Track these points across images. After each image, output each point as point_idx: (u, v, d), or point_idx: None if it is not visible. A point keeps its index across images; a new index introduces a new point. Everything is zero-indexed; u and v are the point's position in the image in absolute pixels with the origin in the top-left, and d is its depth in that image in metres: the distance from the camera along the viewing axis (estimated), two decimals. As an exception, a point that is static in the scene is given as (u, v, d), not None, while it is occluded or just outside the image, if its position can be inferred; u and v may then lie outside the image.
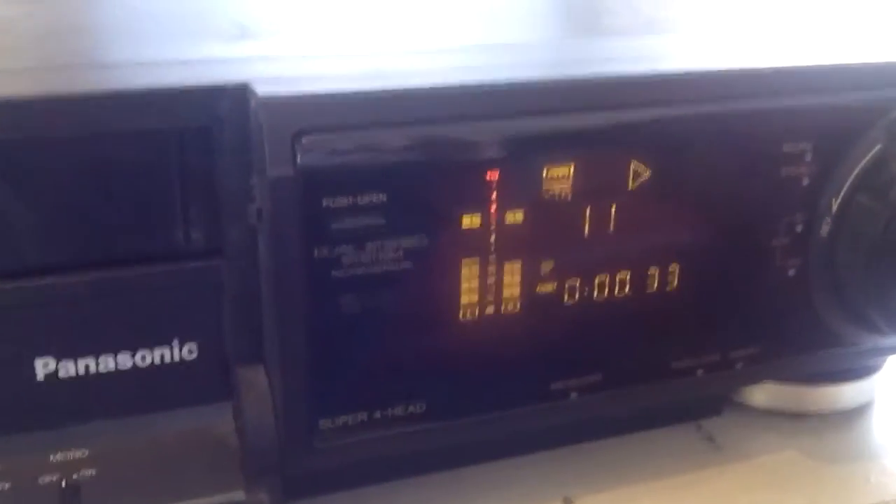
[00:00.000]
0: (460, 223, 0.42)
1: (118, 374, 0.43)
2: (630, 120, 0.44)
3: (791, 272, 0.49)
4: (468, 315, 0.44)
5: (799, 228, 0.48)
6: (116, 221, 0.41)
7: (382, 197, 0.40)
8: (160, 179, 0.41)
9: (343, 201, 0.39)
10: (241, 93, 0.40)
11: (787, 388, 0.57)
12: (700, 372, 0.49)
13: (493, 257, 0.43)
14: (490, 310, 0.44)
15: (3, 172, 0.38)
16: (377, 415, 0.44)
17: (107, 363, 0.43)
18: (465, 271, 0.43)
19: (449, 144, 0.41)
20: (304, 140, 0.38)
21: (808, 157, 0.47)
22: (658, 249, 0.47)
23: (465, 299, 0.43)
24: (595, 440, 0.54)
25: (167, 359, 0.44)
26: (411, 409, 0.44)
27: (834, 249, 0.48)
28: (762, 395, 0.58)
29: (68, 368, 0.42)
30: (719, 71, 0.45)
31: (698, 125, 0.45)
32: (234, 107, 0.40)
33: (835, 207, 0.48)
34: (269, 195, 0.39)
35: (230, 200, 0.41)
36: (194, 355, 0.44)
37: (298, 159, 0.38)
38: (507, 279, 0.44)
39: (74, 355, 0.42)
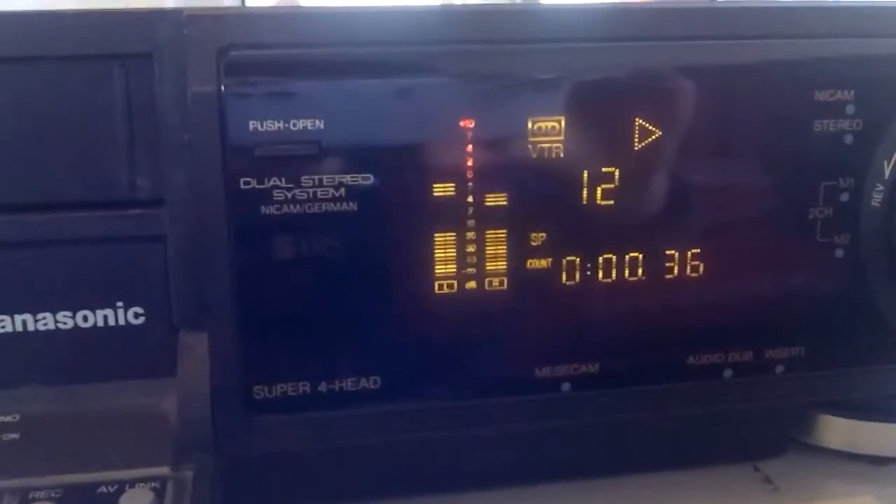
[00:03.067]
0: (418, 166, 0.37)
1: (57, 334, 0.39)
2: (632, 64, 0.38)
3: (838, 252, 0.40)
4: (434, 276, 0.38)
5: (844, 197, 0.40)
6: (52, 161, 0.38)
7: (320, 124, 0.36)
8: (98, 113, 0.38)
9: (273, 125, 0.35)
10: (179, 17, 0.37)
11: (866, 425, 0.47)
12: (728, 373, 0.41)
13: (462, 216, 0.38)
14: (463, 274, 0.38)
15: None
16: (322, 387, 0.38)
17: (46, 322, 0.39)
18: (437, 235, 0.38)
19: (402, 69, 0.37)
20: (231, 55, 0.35)
21: (850, 110, 0.39)
22: (672, 221, 0.40)
23: (436, 265, 0.38)
24: (626, 473, 0.46)
25: (111, 322, 0.40)
26: (364, 383, 0.38)
27: (891, 223, 0.40)
28: (835, 433, 0.48)
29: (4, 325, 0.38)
30: (737, 5, 0.39)
31: (714, 71, 0.39)
32: (173, 33, 0.37)
33: (888, 171, 0.39)
34: (191, 115, 0.35)
35: (172, 139, 0.38)
36: (141, 320, 0.40)
37: (223, 75, 0.35)
38: (487, 246, 0.38)
39: (10, 311, 0.39)
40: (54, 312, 0.39)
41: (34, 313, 0.39)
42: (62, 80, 0.37)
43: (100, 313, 0.39)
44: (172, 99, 0.37)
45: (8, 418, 0.39)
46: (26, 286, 0.38)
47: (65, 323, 0.39)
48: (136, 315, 0.40)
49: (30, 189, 0.38)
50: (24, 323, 0.39)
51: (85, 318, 0.39)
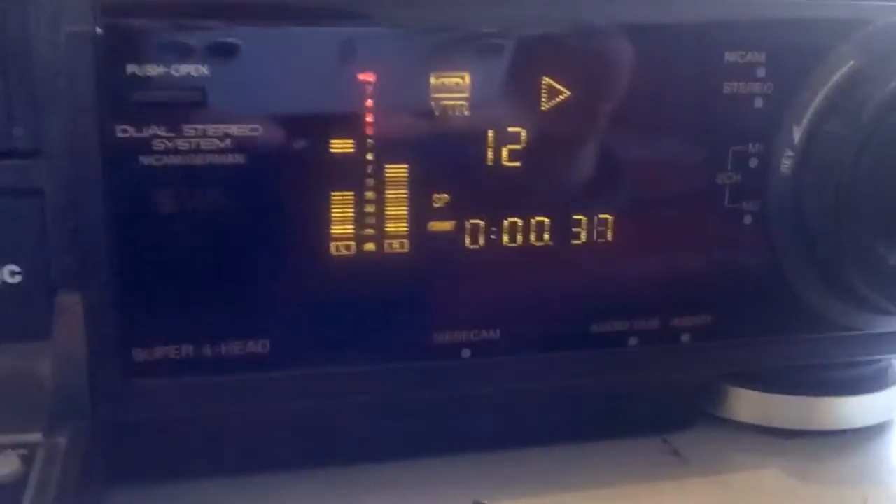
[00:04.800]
0: (313, 120, 0.35)
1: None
2: (539, 20, 0.37)
3: (747, 219, 0.39)
4: (330, 237, 0.36)
5: (753, 163, 0.39)
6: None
7: (204, 69, 0.33)
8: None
9: (153, 70, 0.33)
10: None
11: (775, 398, 0.47)
12: (633, 341, 0.40)
13: (359, 174, 0.36)
14: (360, 235, 0.36)
15: None
16: (207, 350, 0.36)
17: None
18: (330, 192, 0.36)
19: (295, 15, 0.35)
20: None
21: (760, 73, 0.38)
22: (576, 184, 0.38)
23: (331, 224, 0.36)
24: (529, 445, 0.44)
25: (-16, 281, 0.37)
26: (251, 347, 0.36)
27: (799, 190, 0.39)
28: (745, 405, 0.47)
29: None
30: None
31: (623, 29, 0.37)
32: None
33: (797, 137, 0.39)
34: (65, 58, 0.32)
35: (48, 85, 0.35)
36: (17, 279, 0.37)
37: (99, 15, 0.32)
38: (386, 207, 0.37)
39: None
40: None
41: None
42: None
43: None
44: (48, 41, 0.34)
45: None
46: None
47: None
48: (12, 273, 0.37)
49: None
50: None
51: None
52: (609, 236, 0.39)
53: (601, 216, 0.38)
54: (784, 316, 0.41)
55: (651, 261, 0.39)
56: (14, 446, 0.35)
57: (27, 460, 0.34)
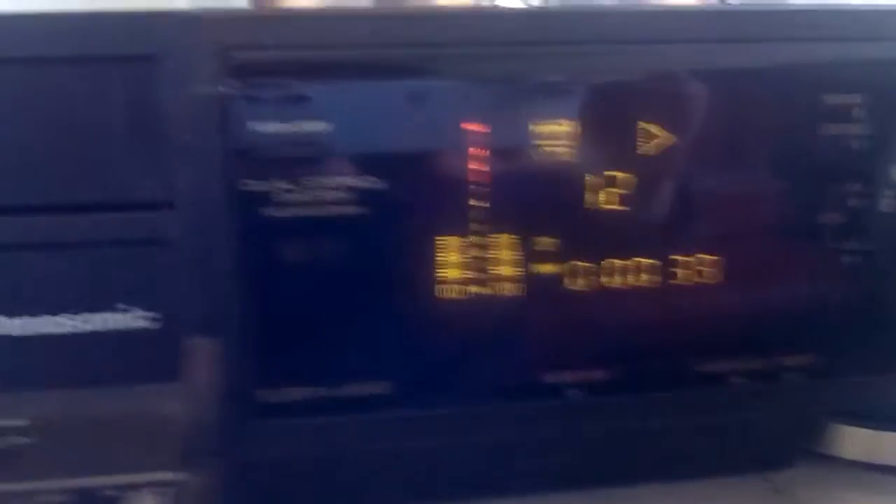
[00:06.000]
0: (424, 170, 0.37)
1: (65, 337, 0.39)
2: (640, 67, 0.38)
3: (850, 258, 0.40)
4: (440, 281, 0.38)
5: (854, 203, 0.39)
6: (58, 163, 0.38)
7: (323, 126, 0.36)
8: (104, 115, 0.38)
9: (274, 126, 0.35)
10: (183, 18, 0.37)
11: (882, 435, 0.46)
12: (736, 380, 0.40)
13: (477, 225, 0.38)
14: (469, 279, 0.38)
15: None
16: (328, 391, 0.38)
17: (54, 324, 0.39)
18: (441, 238, 0.38)
19: (407, 72, 0.37)
20: (234, 56, 0.35)
21: (858, 114, 0.39)
22: (677, 226, 0.39)
23: (442, 269, 0.38)
24: (634, 483, 0.45)
25: (118, 326, 0.39)
26: (370, 388, 0.38)
27: (902, 229, 0.39)
28: (852, 443, 0.47)
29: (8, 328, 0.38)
30: (746, 8, 0.39)
31: (723, 74, 0.39)
32: (177, 34, 0.37)
33: (897, 176, 0.39)
34: (193, 117, 0.35)
35: (177, 141, 0.38)
36: (148, 324, 0.40)
37: (225, 76, 0.35)
38: (493, 251, 0.38)
39: (17, 314, 0.39)
40: (61, 315, 0.39)
41: (42, 316, 0.39)
42: (67, 81, 0.37)
43: (107, 317, 0.39)
44: (177, 100, 0.37)
45: (18, 422, 0.39)
46: (34, 289, 0.38)
47: (72, 326, 0.39)
48: (141, 318, 0.39)
49: (36, 191, 0.38)
50: (32, 326, 0.39)
51: (92, 322, 0.39)
52: (711, 277, 0.39)
53: (703, 257, 0.39)
54: (889, 353, 0.41)
55: (755, 300, 0.40)
56: (151, 484, 0.37)
57: (164, 498, 0.36)
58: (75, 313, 0.39)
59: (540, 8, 0.39)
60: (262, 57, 0.35)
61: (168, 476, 0.38)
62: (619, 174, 0.38)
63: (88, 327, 0.39)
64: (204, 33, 0.35)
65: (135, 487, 0.37)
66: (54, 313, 0.39)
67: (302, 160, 0.35)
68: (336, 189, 0.36)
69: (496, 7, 0.38)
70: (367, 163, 0.36)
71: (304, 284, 0.37)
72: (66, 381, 0.39)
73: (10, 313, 0.39)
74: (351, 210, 0.36)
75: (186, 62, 0.36)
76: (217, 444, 0.38)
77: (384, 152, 0.36)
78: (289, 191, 0.35)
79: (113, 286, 0.39)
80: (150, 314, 0.39)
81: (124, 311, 0.39)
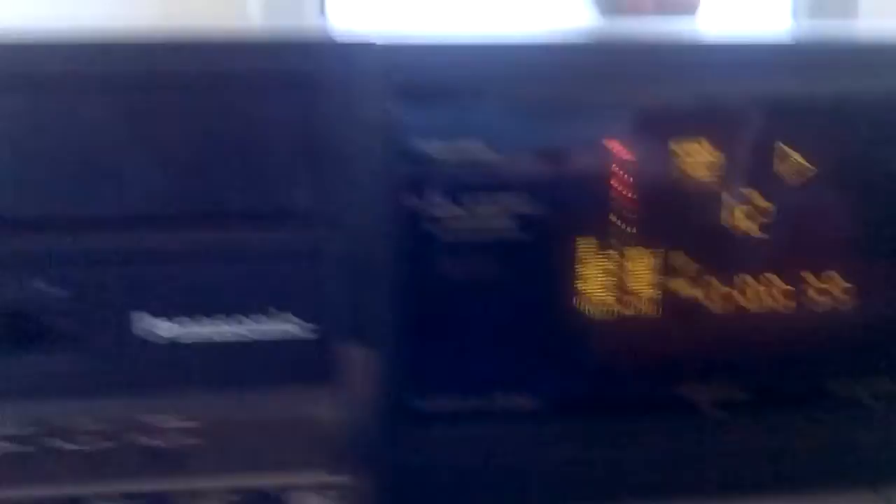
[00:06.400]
0: (581, 195, 0.39)
1: (220, 344, 0.41)
2: (774, 91, 0.39)
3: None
4: (586, 298, 0.39)
5: None
6: (223, 175, 0.40)
7: (482, 147, 0.37)
8: (266, 129, 0.39)
9: (437, 147, 0.37)
10: (346, 39, 0.38)
11: None
12: (868, 400, 0.42)
13: (619, 243, 0.39)
14: (613, 300, 0.40)
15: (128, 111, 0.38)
16: (480, 403, 0.40)
17: (206, 331, 0.41)
18: (585, 254, 0.39)
19: (566, 102, 0.38)
20: (400, 78, 0.37)
21: None
22: (817, 249, 0.41)
23: (585, 285, 0.39)
24: (746, 493, 0.47)
25: (273, 332, 0.41)
26: (520, 401, 0.40)
27: None
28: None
29: (171, 331, 0.40)
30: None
31: (856, 99, 0.40)
32: (339, 54, 0.38)
33: None
34: (358, 135, 0.37)
35: (336, 156, 0.39)
36: (302, 332, 0.42)
37: (390, 97, 0.37)
38: (633, 270, 0.40)
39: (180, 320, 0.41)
40: (224, 322, 0.41)
41: (202, 322, 0.41)
42: (229, 96, 0.39)
43: (266, 324, 0.41)
44: (341, 120, 0.39)
45: (188, 424, 0.41)
46: (194, 296, 0.40)
47: (233, 333, 0.41)
48: (292, 324, 0.41)
49: (203, 202, 0.40)
50: (193, 332, 0.41)
51: (253, 329, 0.41)
52: (846, 298, 0.41)
53: (838, 279, 0.41)
54: None
55: (890, 323, 0.41)
56: (312, 486, 0.39)
57: (324, 498, 0.38)
58: (239, 321, 0.41)
59: (679, 36, 0.40)
60: (427, 80, 0.37)
61: (328, 478, 0.40)
62: (755, 195, 0.40)
63: (250, 334, 0.41)
64: (370, 56, 0.36)
65: (299, 488, 0.39)
66: (218, 320, 0.41)
67: (462, 179, 0.37)
68: (492, 206, 0.37)
69: (646, 37, 0.39)
70: (522, 182, 0.38)
71: (462, 299, 0.38)
72: (227, 385, 0.41)
73: (178, 318, 0.41)
74: (506, 227, 0.38)
75: (353, 84, 0.37)
76: (370, 450, 0.40)
77: (537, 171, 0.38)
78: (448, 208, 0.37)
79: (273, 296, 0.41)
80: (309, 324, 0.41)
81: (284, 319, 0.41)
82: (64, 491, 0.39)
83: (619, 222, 0.39)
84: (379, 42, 0.37)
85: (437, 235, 0.38)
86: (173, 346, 0.41)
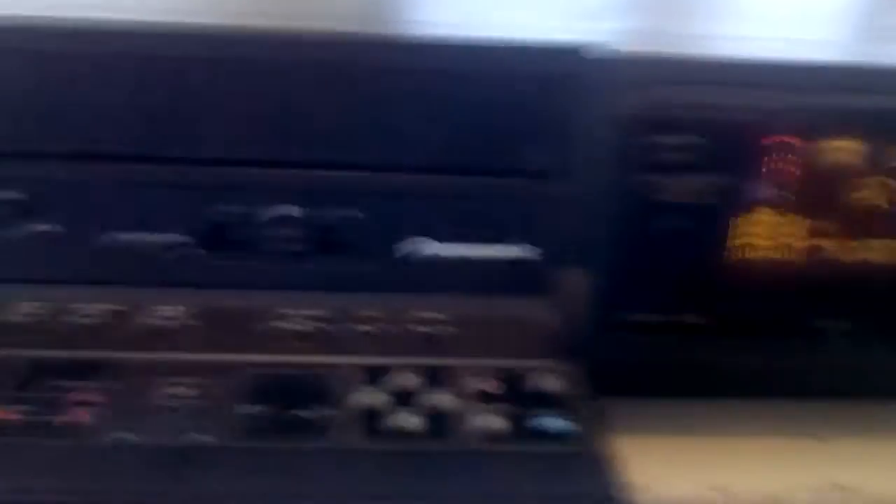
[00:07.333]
0: (757, 174, 0.52)
1: (470, 260, 0.56)
2: None
3: None
4: (754, 249, 0.53)
5: None
6: (486, 146, 0.54)
7: (695, 138, 0.51)
8: (530, 112, 0.54)
9: (668, 139, 0.51)
10: (607, 51, 0.52)
11: None
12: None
13: (779, 210, 0.53)
14: (766, 247, 0.54)
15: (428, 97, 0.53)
16: (667, 319, 0.55)
17: (462, 251, 0.56)
18: (756, 214, 0.53)
19: (752, 110, 0.52)
20: (647, 90, 0.50)
21: None
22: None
23: (753, 237, 0.53)
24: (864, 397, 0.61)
25: (512, 254, 0.56)
26: (695, 320, 0.55)
27: None
28: None
29: (435, 249, 0.56)
30: None
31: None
32: (598, 61, 0.52)
33: None
34: (610, 130, 0.51)
35: (577, 135, 0.54)
36: (531, 255, 0.57)
37: (637, 103, 0.50)
38: (790, 229, 0.54)
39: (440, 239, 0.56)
40: (473, 245, 0.56)
41: (460, 245, 0.56)
42: (503, 87, 0.53)
43: (503, 249, 0.56)
44: (588, 109, 0.53)
45: (443, 316, 0.57)
46: (457, 225, 0.55)
47: (478, 253, 0.56)
48: (527, 250, 0.56)
49: (468, 157, 0.55)
50: (453, 250, 0.56)
51: (493, 251, 0.56)
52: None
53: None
54: None
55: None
56: (546, 368, 0.54)
57: (559, 379, 0.53)
58: (487, 245, 0.56)
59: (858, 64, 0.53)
60: (671, 94, 0.50)
61: (556, 364, 0.55)
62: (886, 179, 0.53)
63: (495, 253, 0.56)
64: (626, 66, 0.50)
65: (537, 370, 0.54)
66: (473, 243, 0.56)
67: (679, 164, 0.51)
68: (693, 182, 0.52)
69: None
70: (719, 164, 0.52)
71: (660, 246, 0.53)
72: (475, 292, 0.57)
73: (444, 241, 0.56)
74: (696, 192, 0.52)
75: (605, 86, 0.51)
76: (585, 347, 0.55)
77: (728, 156, 0.52)
78: (660, 183, 0.51)
79: (508, 227, 0.56)
80: (538, 249, 0.56)
81: (521, 246, 0.56)
82: (365, 362, 0.54)
83: (780, 193, 0.53)
84: (637, 55, 0.50)
85: (646, 196, 0.52)
86: (438, 261, 0.56)
